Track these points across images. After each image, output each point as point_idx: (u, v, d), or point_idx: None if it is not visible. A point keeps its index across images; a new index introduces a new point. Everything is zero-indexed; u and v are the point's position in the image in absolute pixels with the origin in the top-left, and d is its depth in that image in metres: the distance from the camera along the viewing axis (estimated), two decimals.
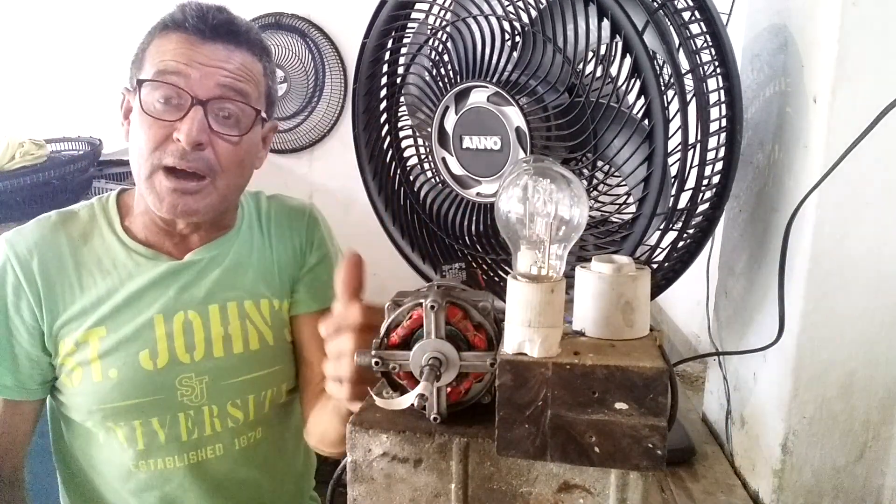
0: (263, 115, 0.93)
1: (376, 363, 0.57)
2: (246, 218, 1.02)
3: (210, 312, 0.94)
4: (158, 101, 0.86)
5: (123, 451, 0.92)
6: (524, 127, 0.83)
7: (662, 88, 0.74)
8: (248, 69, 0.90)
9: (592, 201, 0.87)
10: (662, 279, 0.90)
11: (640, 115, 0.78)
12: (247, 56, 0.90)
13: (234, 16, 0.91)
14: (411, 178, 1.04)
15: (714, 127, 0.83)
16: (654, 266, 0.85)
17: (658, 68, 0.75)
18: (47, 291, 0.90)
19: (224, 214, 0.98)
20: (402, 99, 1.01)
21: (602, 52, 0.78)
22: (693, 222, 0.85)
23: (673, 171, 0.78)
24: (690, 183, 0.80)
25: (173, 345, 0.92)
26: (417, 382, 0.55)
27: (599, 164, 0.84)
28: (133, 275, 0.92)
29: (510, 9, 0.85)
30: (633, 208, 0.81)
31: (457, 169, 0.94)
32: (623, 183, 0.84)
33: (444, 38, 0.93)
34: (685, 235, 0.85)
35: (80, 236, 0.93)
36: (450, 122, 0.92)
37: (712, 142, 0.83)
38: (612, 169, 0.83)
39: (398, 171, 1.04)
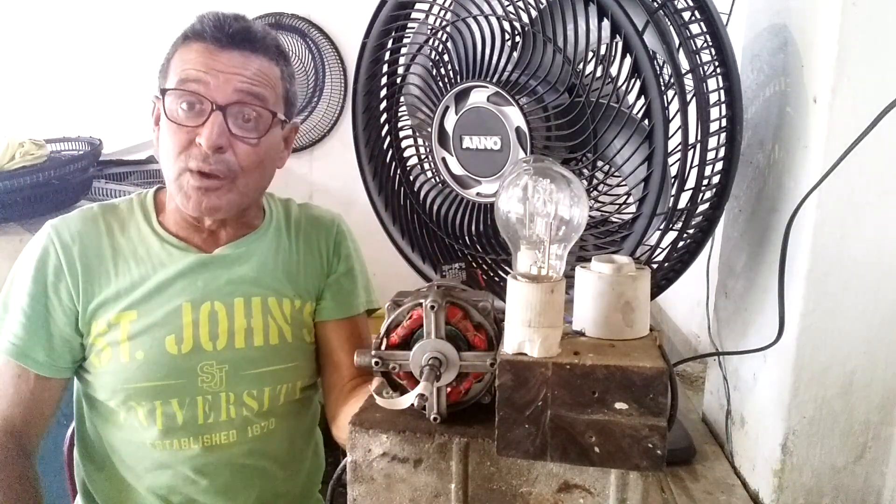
0: (282, 117, 0.97)
1: (376, 363, 0.57)
2: (274, 221, 1.07)
3: (235, 304, 0.99)
4: (181, 108, 0.91)
5: (143, 430, 0.96)
6: (524, 127, 0.83)
7: (662, 88, 0.74)
8: (265, 74, 0.95)
9: (592, 201, 0.87)
10: (662, 279, 0.90)
11: (640, 115, 0.78)
12: (263, 61, 0.95)
13: (251, 23, 0.96)
14: (411, 178, 1.04)
15: (714, 127, 0.83)
16: (654, 266, 0.85)
17: (658, 68, 0.75)
18: (86, 275, 0.96)
19: (247, 212, 1.03)
20: (402, 99, 1.01)
21: (602, 52, 0.79)
22: (693, 222, 0.85)
23: (673, 171, 0.78)
24: (690, 183, 0.80)
25: (198, 332, 0.97)
26: (417, 382, 0.55)
27: (599, 164, 0.85)
28: (165, 264, 0.98)
29: (510, 9, 0.85)
30: (633, 208, 0.81)
31: (457, 169, 0.94)
32: (623, 183, 0.84)
33: (444, 38, 0.93)
34: (685, 235, 0.85)
35: (118, 227, 1.00)
36: (450, 122, 0.92)
37: (712, 142, 0.83)
38: (612, 169, 0.83)
39: (398, 171, 1.04)
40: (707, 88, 0.81)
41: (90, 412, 1.00)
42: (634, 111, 0.79)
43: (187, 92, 0.91)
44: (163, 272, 0.97)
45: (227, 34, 0.92)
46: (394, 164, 1.04)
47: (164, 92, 0.92)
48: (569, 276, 0.54)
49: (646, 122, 0.77)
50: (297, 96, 1.03)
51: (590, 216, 0.71)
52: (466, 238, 0.97)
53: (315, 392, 1.09)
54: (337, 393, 1.03)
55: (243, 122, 0.93)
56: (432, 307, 0.55)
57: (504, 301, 0.53)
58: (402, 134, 1.03)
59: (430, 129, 0.95)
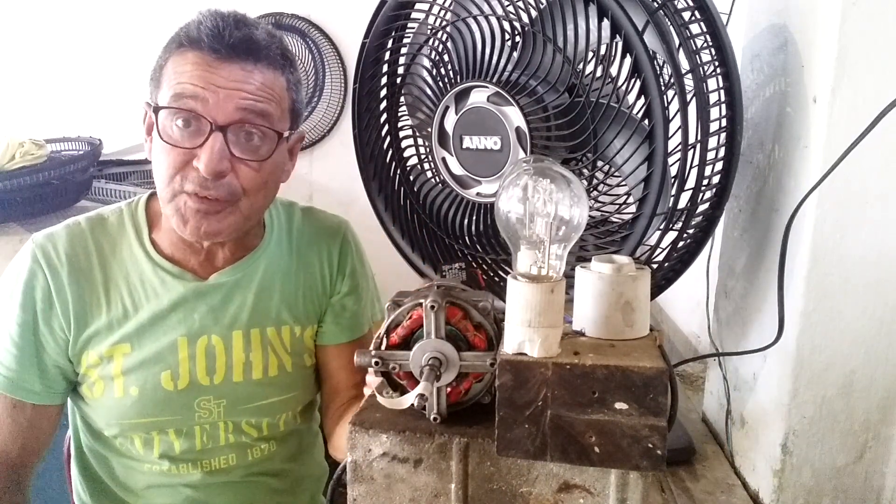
0: (287, 134, 0.90)
1: (376, 363, 0.57)
2: (275, 234, 0.99)
3: (233, 338, 0.94)
4: (177, 126, 0.83)
5: (140, 457, 0.94)
6: (524, 127, 0.83)
7: (662, 88, 0.74)
8: (270, 88, 0.85)
9: (592, 201, 0.87)
10: (662, 279, 0.90)
11: (640, 115, 0.78)
12: (267, 73, 0.85)
13: (253, 28, 0.85)
14: (411, 178, 1.04)
15: (714, 127, 0.83)
16: (654, 266, 0.85)
17: (658, 68, 0.75)
18: (77, 303, 0.89)
19: (248, 231, 0.96)
20: (402, 99, 1.01)
21: (602, 52, 0.79)
22: (693, 222, 0.85)
23: (673, 171, 0.78)
24: (690, 183, 0.80)
25: (195, 367, 0.92)
26: (417, 382, 0.55)
27: (599, 164, 0.85)
28: (159, 293, 0.92)
29: (510, 9, 0.85)
30: (633, 208, 0.81)
31: (457, 169, 0.94)
32: (623, 183, 0.84)
33: (444, 38, 0.93)
34: (685, 235, 0.85)
35: (109, 247, 0.93)
36: (450, 122, 0.92)
37: (712, 142, 0.83)
38: (612, 169, 0.83)
39: (398, 171, 1.04)
40: (707, 88, 0.81)
41: (86, 429, 0.97)
42: (634, 111, 0.79)
43: (183, 110, 0.82)
44: (156, 302, 0.91)
45: (228, 44, 0.82)
46: (394, 164, 1.04)
47: (157, 110, 0.83)
48: (569, 276, 0.54)
49: (646, 122, 0.77)
50: (304, 104, 0.94)
51: (590, 216, 0.71)
52: (466, 238, 0.97)
53: (316, 406, 1.07)
54: (333, 411, 1.00)
55: (246, 141, 0.84)
56: (432, 307, 0.55)
57: (504, 301, 0.53)
58: (402, 134, 1.03)
59: (430, 129, 0.95)
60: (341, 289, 1.01)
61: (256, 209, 0.90)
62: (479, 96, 0.88)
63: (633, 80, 0.76)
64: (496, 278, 0.96)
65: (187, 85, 0.82)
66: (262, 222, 0.99)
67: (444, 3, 0.91)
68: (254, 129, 0.84)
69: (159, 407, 0.91)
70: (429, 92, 0.94)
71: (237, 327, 0.94)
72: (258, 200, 0.89)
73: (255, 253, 0.97)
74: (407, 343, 0.57)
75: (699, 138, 0.78)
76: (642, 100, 0.76)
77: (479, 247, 0.96)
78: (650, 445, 0.49)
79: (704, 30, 0.83)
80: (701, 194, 0.82)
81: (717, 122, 0.84)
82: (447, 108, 0.92)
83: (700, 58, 0.80)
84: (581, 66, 0.82)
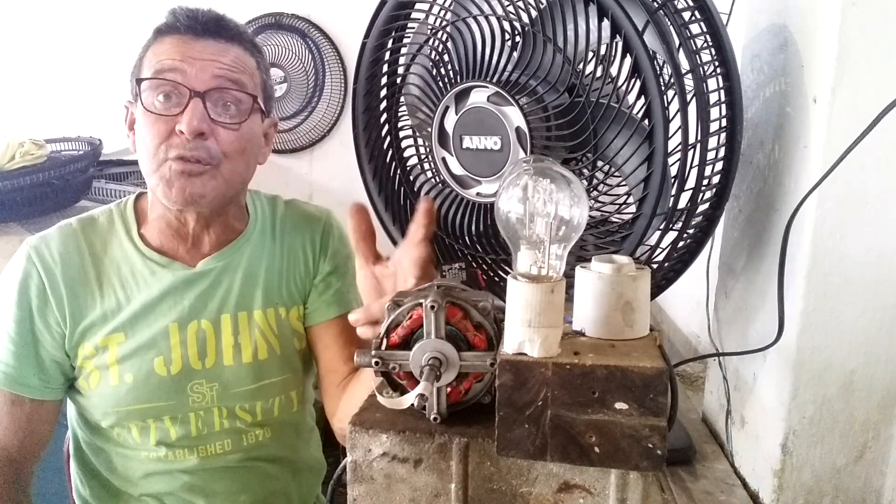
0: (261, 103, 0.96)
1: (376, 363, 0.57)
2: (259, 223, 1.04)
3: (222, 322, 0.97)
4: (158, 99, 0.89)
5: (138, 446, 0.96)
6: (524, 127, 0.83)
7: (662, 88, 0.74)
8: (242, 62, 0.94)
9: (592, 201, 0.87)
10: (662, 279, 0.90)
11: (640, 115, 0.78)
12: (239, 50, 0.94)
13: (224, 15, 0.96)
14: (411, 178, 1.04)
15: (714, 127, 0.83)
16: (654, 266, 0.85)
17: (658, 68, 0.75)
18: (71, 298, 0.94)
19: (230, 211, 1.00)
20: (402, 99, 1.01)
21: (602, 52, 0.79)
22: (693, 222, 0.85)
23: (673, 171, 0.78)
24: (690, 183, 0.80)
25: (187, 352, 0.95)
26: (417, 382, 0.55)
27: (599, 164, 0.84)
28: (149, 283, 0.96)
29: (510, 9, 0.85)
30: (633, 208, 0.81)
31: (457, 169, 0.94)
32: (623, 183, 0.84)
33: (444, 38, 0.93)
34: (685, 235, 0.85)
35: (100, 244, 0.97)
36: (450, 122, 0.92)
37: (712, 142, 0.83)
38: (612, 169, 0.83)
39: (398, 171, 1.04)
40: (707, 88, 0.81)
41: (83, 424, 0.99)
42: (634, 111, 0.79)
43: (165, 81, 0.89)
44: (147, 292, 0.95)
45: (202, 23, 0.91)
46: (394, 164, 1.04)
47: (139, 82, 0.90)
48: (569, 276, 0.54)
49: (646, 122, 0.77)
50: (274, 90, 1.03)
51: (590, 216, 0.71)
52: (466, 238, 0.97)
53: (311, 400, 1.08)
54: (333, 390, 1.02)
55: (223, 108, 0.91)
56: (432, 307, 0.55)
57: (504, 301, 0.53)
58: (402, 134, 1.03)
59: (430, 129, 0.95)
60: (323, 269, 1.06)
61: (237, 176, 0.95)
62: (479, 96, 0.88)
63: (633, 80, 0.76)
64: (496, 278, 0.96)
65: (166, 60, 0.90)
66: (244, 208, 1.04)
67: (444, 3, 0.91)
68: (229, 96, 0.92)
69: (154, 393, 0.94)
70: (429, 92, 0.94)
71: (225, 311, 0.98)
72: (238, 166, 0.94)
73: (240, 239, 1.01)
74: (407, 343, 0.57)
75: (699, 138, 0.78)
76: (642, 100, 0.76)
77: (479, 247, 0.96)
78: (650, 445, 0.49)
79: (704, 30, 0.83)
80: (701, 194, 0.82)
81: (717, 122, 0.84)
82: (447, 108, 0.92)
83: (700, 58, 0.80)
84: (581, 66, 0.82)
